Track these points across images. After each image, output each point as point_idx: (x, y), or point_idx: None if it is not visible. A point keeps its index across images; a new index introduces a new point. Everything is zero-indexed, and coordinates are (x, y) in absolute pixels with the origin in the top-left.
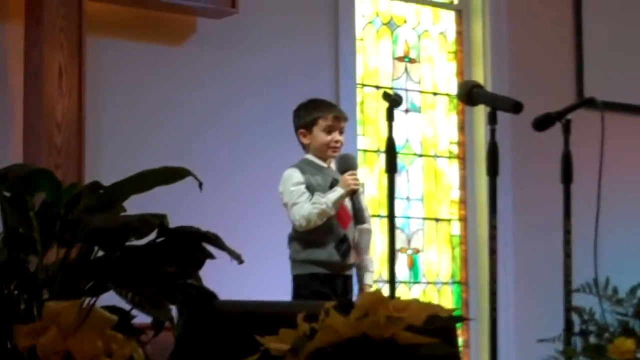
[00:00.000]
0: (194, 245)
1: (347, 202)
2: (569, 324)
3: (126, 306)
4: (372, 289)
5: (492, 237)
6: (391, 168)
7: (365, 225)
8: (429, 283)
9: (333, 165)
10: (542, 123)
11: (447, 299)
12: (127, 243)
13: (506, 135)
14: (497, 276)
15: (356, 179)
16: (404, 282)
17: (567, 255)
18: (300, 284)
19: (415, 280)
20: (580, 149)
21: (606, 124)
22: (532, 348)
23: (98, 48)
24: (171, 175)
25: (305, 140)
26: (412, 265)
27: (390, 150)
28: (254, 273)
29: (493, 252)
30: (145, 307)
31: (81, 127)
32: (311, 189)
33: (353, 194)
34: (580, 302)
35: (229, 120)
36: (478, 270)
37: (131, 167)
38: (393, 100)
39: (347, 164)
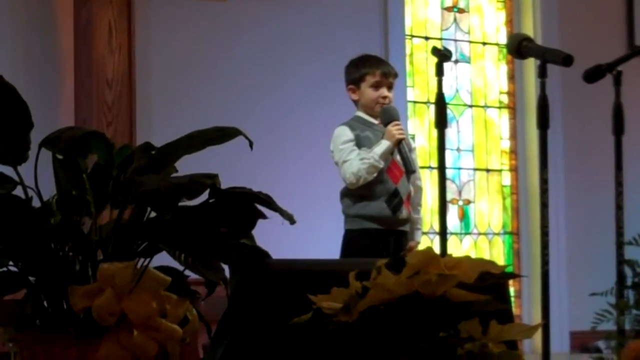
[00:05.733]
0: (246, 206)
1: (397, 156)
2: (621, 277)
3: (180, 266)
4: (418, 247)
5: (544, 191)
6: (441, 123)
7: (416, 182)
8: (480, 234)
9: None
10: (593, 75)
11: (498, 250)
12: (180, 204)
13: (557, 87)
14: (548, 230)
15: (400, 129)
16: (455, 234)
17: (619, 207)
18: (349, 238)
19: (466, 231)
20: (631, 100)
21: None
22: (584, 300)
23: (147, 4)
24: (222, 135)
25: (354, 96)
26: (463, 217)
27: (441, 106)
28: (306, 230)
29: (544, 205)
30: (198, 268)
31: (131, 84)
32: (361, 144)
33: (399, 143)
34: (633, 255)
35: (278, 75)
36: (529, 220)
37: (180, 122)
38: (442, 55)
39: (390, 116)
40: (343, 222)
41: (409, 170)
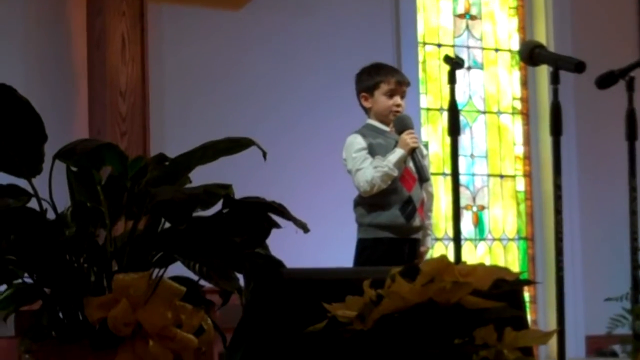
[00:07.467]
0: (260, 216)
1: (410, 164)
2: (635, 282)
3: (194, 276)
4: (428, 253)
5: (557, 197)
6: (454, 131)
7: (428, 189)
8: (494, 239)
9: None
10: (605, 81)
11: (513, 255)
12: (194, 214)
13: (569, 94)
14: (562, 236)
15: (414, 137)
16: (470, 240)
17: (633, 212)
18: (363, 247)
19: (481, 237)
20: None
21: None
22: (599, 306)
23: (159, 15)
24: (235, 145)
25: (367, 104)
26: (478, 222)
27: (453, 114)
28: (320, 238)
29: (558, 212)
30: (213, 277)
31: (145, 94)
32: (374, 152)
33: (412, 152)
34: None
35: (290, 83)
36: (544, 225)
37: (194, 132)
38: (455, 63)
39: (404, 124)
40: (356, 231)
41: (423, 178)
